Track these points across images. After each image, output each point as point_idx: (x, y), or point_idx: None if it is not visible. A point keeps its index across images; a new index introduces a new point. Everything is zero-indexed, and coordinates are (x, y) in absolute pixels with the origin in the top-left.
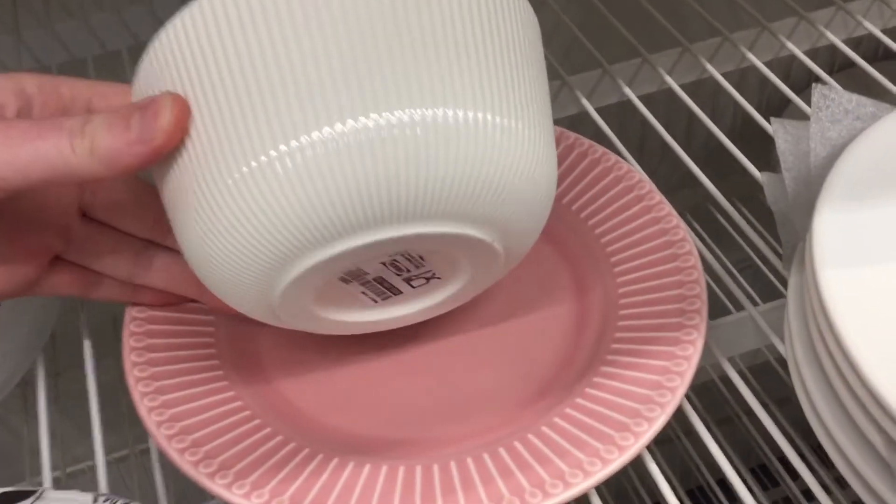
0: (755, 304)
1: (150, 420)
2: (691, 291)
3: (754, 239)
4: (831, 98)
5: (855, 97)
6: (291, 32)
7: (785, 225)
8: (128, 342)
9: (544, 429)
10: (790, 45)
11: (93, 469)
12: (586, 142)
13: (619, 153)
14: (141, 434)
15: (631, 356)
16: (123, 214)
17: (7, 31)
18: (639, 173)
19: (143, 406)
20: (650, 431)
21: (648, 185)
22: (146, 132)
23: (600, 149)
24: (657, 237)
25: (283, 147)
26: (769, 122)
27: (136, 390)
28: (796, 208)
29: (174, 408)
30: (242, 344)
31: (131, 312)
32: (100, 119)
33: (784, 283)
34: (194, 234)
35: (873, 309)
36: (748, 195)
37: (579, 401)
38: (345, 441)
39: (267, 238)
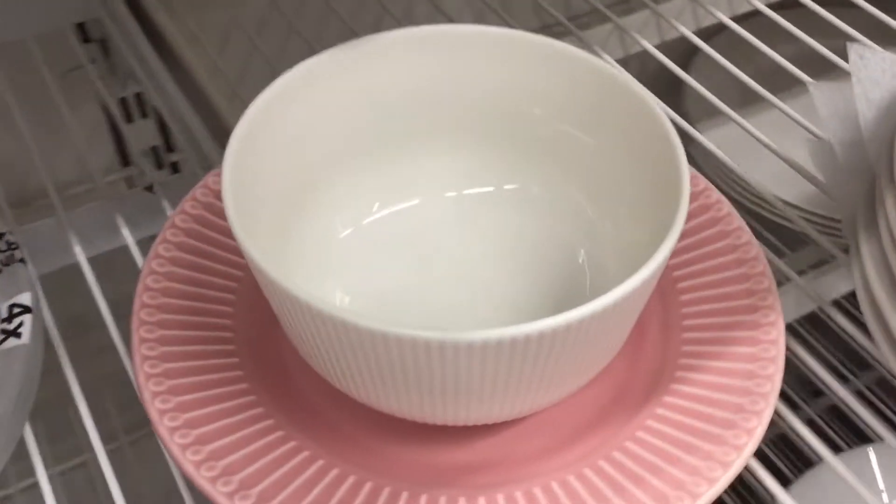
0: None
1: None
2: (754, 270)
3: None
4: (867, 58)
5: (889, 56)
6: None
7: (837, 192)
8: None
9: (628, 444)
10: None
11: None
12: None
13: None
14: None
15: (711, 345)
16: None
17: None
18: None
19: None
20: (761, 426)
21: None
22: None
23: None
24: (711, 225)
25: None
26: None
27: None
28: (850, 174)
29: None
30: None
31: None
32: None
33: None
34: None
35: None
36: None
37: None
38: (404, 468)
39: None
